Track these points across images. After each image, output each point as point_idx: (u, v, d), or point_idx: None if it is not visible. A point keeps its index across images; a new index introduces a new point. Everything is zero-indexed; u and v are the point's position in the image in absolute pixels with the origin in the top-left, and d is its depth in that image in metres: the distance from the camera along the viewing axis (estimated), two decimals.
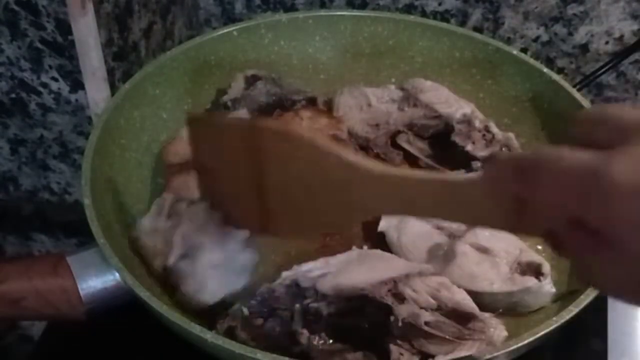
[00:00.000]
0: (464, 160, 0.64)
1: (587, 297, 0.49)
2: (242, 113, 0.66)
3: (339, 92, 0.70)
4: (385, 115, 0.68)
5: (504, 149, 0.64)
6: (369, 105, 0.69)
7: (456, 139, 0.64)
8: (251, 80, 0.69)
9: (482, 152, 0.63)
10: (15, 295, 0.51)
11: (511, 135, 0.65)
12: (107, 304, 0.52)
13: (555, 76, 0.66)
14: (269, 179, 0.44)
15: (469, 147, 0.63)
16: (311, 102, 0.69)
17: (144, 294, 0.48)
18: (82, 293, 0.51)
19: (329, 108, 0.70)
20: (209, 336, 0.46)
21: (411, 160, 0.66)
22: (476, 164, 0.62)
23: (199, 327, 0.46)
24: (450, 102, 0.67)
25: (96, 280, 0.52)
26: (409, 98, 0.68)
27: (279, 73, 0.71)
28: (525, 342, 0.46)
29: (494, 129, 0.65)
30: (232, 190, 0.48)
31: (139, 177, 0.63)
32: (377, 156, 0.65)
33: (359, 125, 0.67)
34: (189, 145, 0.49)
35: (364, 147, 0.66)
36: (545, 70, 0.67)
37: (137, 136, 0.64)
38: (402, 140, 0.66)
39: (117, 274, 0.51)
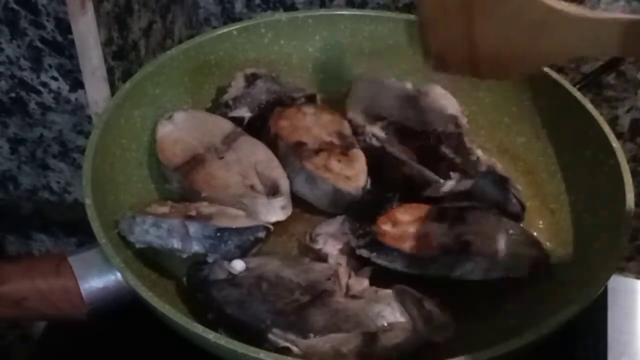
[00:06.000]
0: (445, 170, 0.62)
1: (590, 295, 0.49)
2: (244, 111, 0.66)
3: (356, 79, 0.71)
4: (385, 109, 0.68)
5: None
6: (378, 95, 0.69)
7: (446, 151, 0.63)
8: (251, 79, 0.69)
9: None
10: (17, 296, 0.51)
11: (494, 161, 0.64)
12: (109, 304, 0.52)
13: (555, 75, 0.66)
14: (477, 29, 0.53)
15: (458, 161, 0.63)
16: (310, 99, 0.69)
17: (145, 293, 0.48)
18: (84, 293, 0.51)
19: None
20: (211, 336, 0.46)
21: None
22: (455, 175, 0.61)
23: (202, 327, 0.46)
24: (443, 115, 0.66)
25: (98, 280, 0.52)
26: (413, 99, 0.68)
27: (278, 72, 0.71)
28: (528, 340, 0.46)
29: (478, 152, 0.64)
30: (449, 40, 0.55)
31: (139, 177, 0.63)
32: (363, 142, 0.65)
33: (360, 116, 0.67)
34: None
35: (359, 135, 0.66)
36: (545, 69, 0.67)
37: (138, 136, 0.64)
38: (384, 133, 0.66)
39: (118, 274, 0.51)
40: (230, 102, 0.67)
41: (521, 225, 0.60)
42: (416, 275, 0.55)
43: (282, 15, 0.72)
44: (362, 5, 0.77)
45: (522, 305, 0.56)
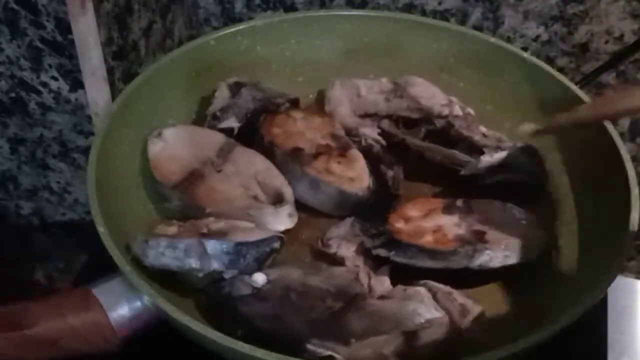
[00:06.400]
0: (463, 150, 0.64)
1: (594, 297, 0.50)
2: (232, 121, 0.65)
3: (329, 84, 0.70)
4: (372, 105, 0.68)
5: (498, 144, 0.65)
6: (358, 95, 0.69)
7: (463, 131, 0.64)
8: (235, 89, 0.68)
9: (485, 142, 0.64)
10: (52, 336, 0.49)
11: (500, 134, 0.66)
12: (138, 331, 0.51)
13: (556, 73, 0.67)
14: None
15: (477, 138, 0.64)
16: (294, 103, 0.69)
17: (181, 317, 0.47)
18: (114, 324, 0.50)
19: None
20: (259, 354, 0.45)
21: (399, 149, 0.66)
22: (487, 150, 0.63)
23: (248, 345, 0.45)
24: (437, 98, 0.67)
25: (125, 308, 0.51)
26: (398, 90, 0.69)
27: (258, 79, 0.70)
28: (535, 341, 0.47)
29: (482, 129, 0.66)
30: None
31: (138, 199, 0.62)
32: (359, 144, 0.65)
33: (350, 119, 0.68)
34: None
35: (353, 136, 0.66)
36: (525, 55, 0.68)
37: (130, 157, 0.62)
38: (385, 125, 0.67)
39: (144, 300, 0.51)
40: (218, 114, 0.66)
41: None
42: (435, 269, 0.55)
43: (257, 21, 0.72)
44: (362, 5, 0.76)
45: (535, 297, 0.57)
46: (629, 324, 0.63)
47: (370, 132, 0.66)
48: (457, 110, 0.66)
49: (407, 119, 0.67)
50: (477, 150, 0.63)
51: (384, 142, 0.66)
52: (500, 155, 0.62)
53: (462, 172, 0.62)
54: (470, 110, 0.67)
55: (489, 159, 0.62)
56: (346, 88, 0.70)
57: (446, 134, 0.65)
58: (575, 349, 0.59)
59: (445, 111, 0.66)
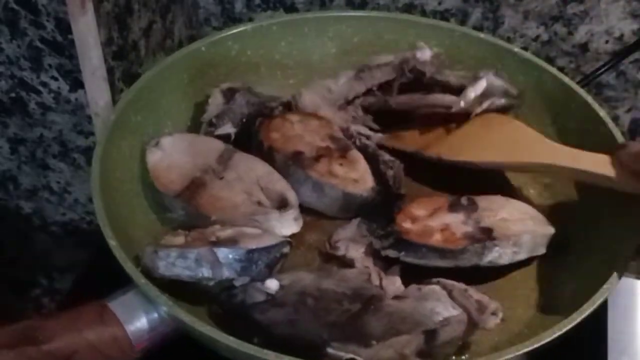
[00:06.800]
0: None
1: (599, 297, 0.50)
2: (228, 127, 0.65)
3: (296, 95, 0.70)
4: (347, 90, 0.69)
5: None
6: (329, 91, 0.69)
7: (437, 76, 0.65)
8: (229, 94, 0.68)
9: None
10: (68, 351, 0.49)
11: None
12: (155, 343, 0.51)
13: (547, 65, 0.68)
14: None
15: (452, 79, 0.65)
16: (287, 106, 0.69)
17: (204, 328, 0.47)
18: (132, 337, 0.50)
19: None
20: (286, 359, 0.45)
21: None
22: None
23: (274, 353, 0.45)
24: (405, 56, 0.68)
25: (143, 321, 0.50)
26: (363, 69, 0.69)
27: (249, 84, 0.70)
28: (546, 340, 0.48)
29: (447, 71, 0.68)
30: None
31: (140, 208, 0.61)
32: (351, 138, 0.66)
33: (337, 118, 0.68)
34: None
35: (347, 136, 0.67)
36: (516, 49, 0.69)
37: (129, 166, 0.62)
38: (365, 102, 0.68)
39: (161, 311, 0.50)
40: (214, 120, 0.65)
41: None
42: (444, 268, 0.55)
43: (247, 26, 0.72)
44: (362, 6, 0.77)
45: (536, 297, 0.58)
46: (629, 324, 0.63)
47: (361, 128, 0.67)
48: (426, 54, 0.67)
49: (383, 85, 0.67)
50: (454, 90, 0.65)
51: (371, 133, 0.67)
52: (481, 84, 0.63)
53: (453, 110, 0.63)
54: (439, 51, 0.68)
55: (472, 91, 0.63)
56: (315, 91, 0.70)
57: (420, 84, 0.66)
58: (575, 349, 0.59)
59: (412, 63, 0.66)
